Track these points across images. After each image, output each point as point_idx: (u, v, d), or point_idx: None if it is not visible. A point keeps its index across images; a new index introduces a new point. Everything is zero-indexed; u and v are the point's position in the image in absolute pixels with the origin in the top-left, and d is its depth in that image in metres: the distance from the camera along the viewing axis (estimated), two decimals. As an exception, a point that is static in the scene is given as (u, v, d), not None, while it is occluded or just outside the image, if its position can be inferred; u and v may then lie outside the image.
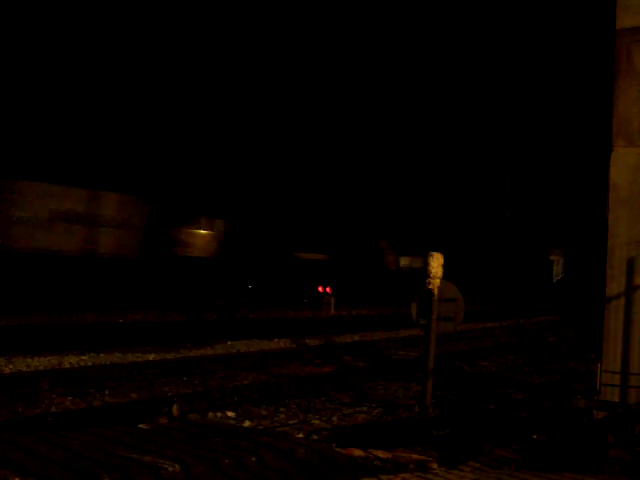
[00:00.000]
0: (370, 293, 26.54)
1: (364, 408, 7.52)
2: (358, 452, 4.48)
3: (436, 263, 7.29)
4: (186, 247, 23.21)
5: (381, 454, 4.52)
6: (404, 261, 37.21)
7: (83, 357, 10.10)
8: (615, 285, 5.78)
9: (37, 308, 15.52)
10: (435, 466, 4.37)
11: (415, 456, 4.67)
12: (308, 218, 30.54)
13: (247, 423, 6.58)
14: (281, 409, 7.33)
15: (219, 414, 6.89)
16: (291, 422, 6.74)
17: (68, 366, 9.28)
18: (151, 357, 10.52)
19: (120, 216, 21.37)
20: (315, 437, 6.06)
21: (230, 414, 6.92)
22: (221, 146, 33.35)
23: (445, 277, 7.44)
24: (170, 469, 3.45)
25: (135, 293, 19.60)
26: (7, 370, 8.79)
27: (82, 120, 29.79)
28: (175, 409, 6.59)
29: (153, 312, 17.34)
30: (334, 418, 7.01)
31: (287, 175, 34.59)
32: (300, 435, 6.04)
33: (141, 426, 4.58)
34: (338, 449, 4.46)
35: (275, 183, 32.91)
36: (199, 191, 26.87)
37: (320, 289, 24.01)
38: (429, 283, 7.32)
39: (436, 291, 7.31)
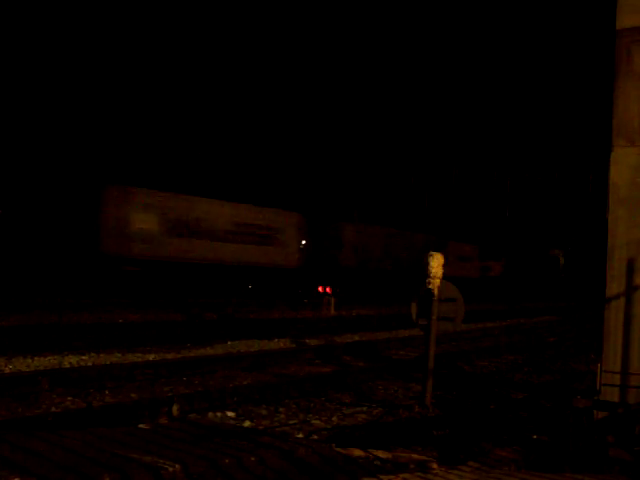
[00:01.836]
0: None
1: (364, 408, 7.52)
2: (358, 452, 4.48)
3: (436, 263, 7.29)
4: (490, 271, 42.68)
5: (381, 454, 4.52)
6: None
7: (83, 357, 10.10)
8: (615, 285, 5.78)
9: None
10: (435, 466, 4.36)
11: (415, 456, 4.66)
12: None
13: (247, 423, 6.58)
14: (281, 409, 7.32)
15: (219, 414, 6.89)
16: (291, 422, 6.74)
17: (68, 366, 9.28)
18: (151, 357, 10.52)
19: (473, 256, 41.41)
20: (315, 437, 6.06)
21: (230, 414, 6.92)
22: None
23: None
24: (170, 469, 3.45)
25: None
26: (7, 370, 8.79)
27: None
28: (175, 409, 6.58)
29: (153, 312, 17.34)
30: (334, 418, 7.00)
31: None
32: (300, 435, 6.04)
33: (141, 426, 4.58)
34: (338, 449, 4.46)
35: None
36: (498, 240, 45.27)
37: (320, 289, 24.03)
38: (429, 283, 7.32)
39: (436, 291, 7.31)
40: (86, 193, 19.95)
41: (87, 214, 19.91)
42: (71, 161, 22.68)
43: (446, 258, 28.73)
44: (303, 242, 26.20)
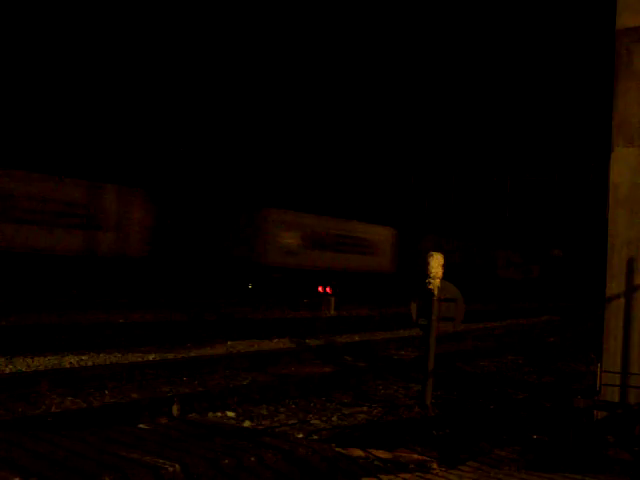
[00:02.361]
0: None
1: (364, 408, 7.52)
2: (358, 452, 4.48)
3: (436, 263, 7.29)
4: (532, 273, 46.00)
5: (381, 454, 4.53)
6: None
7: (83, 357, 10.10)
8: (615, 285, 5.79)
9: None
10: (435, 466, 4.37)
11: (415, 456, 4.67)
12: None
13: (247, 423, 6.58)
14: (281, 409, 7.32)
15: (219, 414, 6.89)
16: (291, 422, 6.74)
17: (68, 366, 9.28)
18: (151, 357, 10.52)
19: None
20: (315, 437, 6.06)
21: (230, 414, 6.92)
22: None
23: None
24: (170, 469, 3.45)
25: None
26: (7, 370, 8.79)
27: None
28: (175, 409, 6.59)
29: (153, 312, 17.34)
30: (334, 418, 7.00)
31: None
32: (300, 435, 6.04)
33: (141, 426, 4.58)
34: (338, 449, 4.46)
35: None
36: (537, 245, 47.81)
37: (320, 289, 24.06)
38: (429, 283, 7.32)
39: (436, 291, 7.31)
40: (241, 214, 25.00)
41: (244, 231, 24.88)
42: (228, 186, 28.13)
43: (497, 264, 36.66)
44: (396, 252, 33.43)
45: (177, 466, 3.49)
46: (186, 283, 22.00)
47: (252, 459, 3.80)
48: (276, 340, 13.45)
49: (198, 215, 22.85)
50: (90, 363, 9.57)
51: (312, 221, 27.94)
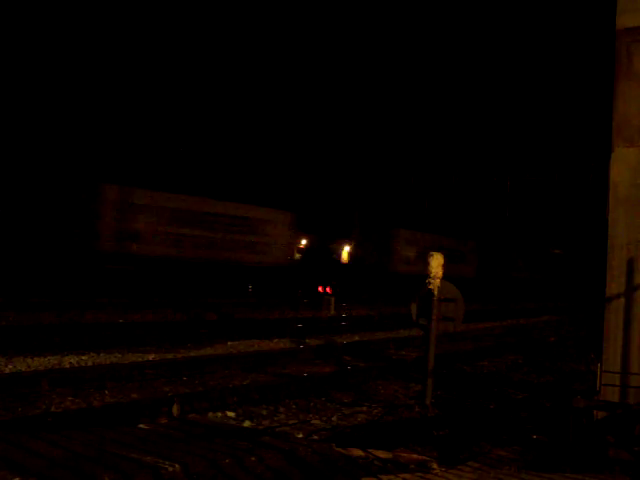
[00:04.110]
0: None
1: (364, 408, 7.52)
2: (358, 452, 4.48)
3: (436, 263, 7.29)
4: None
5: (381, 454, 4.52)
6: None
7: (83, 357, 10.10)
8: (615, 285, 5.78)
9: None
10: (435, 466, 4.37)
11: (415, 456, 4.67)
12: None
13: (247, 423, 6.58)
14: (281, 409, 7.32)
15: (219, 414, 6.89)
16: (291, 422, 6.75)
17: (68, 366, 9.28)
18: (151, 357, 10.52)
19: None
20: (315, 437, 6.06)
21: (230, 414, 6.92)
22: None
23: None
24: (170, 469, 3.45)
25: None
26: (7, 370, 8.79)
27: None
28: (175, 409, 6.59)
29: (153, 312, 17.34)
30: (334, 418, 7.00)
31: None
32: (300, 435, 6.04)
33: (141, 426, 4.58)
34: (338, 449, 4.46)
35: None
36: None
37: (320, 289, 24.05)
38: (429, 283, 7.32)
39: (436, 291, 7.31)
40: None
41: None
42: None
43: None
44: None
45: (177, 466, 3.49)
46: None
47: (252, 459, 3.80)
48: (276, 340, 13.45)
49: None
50: (90, 363, 9.57)
51: (424, 237, 34.49)
